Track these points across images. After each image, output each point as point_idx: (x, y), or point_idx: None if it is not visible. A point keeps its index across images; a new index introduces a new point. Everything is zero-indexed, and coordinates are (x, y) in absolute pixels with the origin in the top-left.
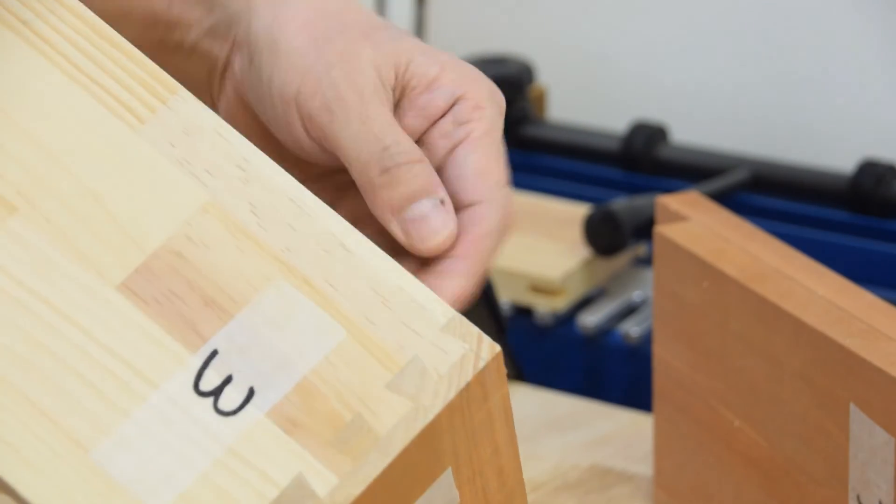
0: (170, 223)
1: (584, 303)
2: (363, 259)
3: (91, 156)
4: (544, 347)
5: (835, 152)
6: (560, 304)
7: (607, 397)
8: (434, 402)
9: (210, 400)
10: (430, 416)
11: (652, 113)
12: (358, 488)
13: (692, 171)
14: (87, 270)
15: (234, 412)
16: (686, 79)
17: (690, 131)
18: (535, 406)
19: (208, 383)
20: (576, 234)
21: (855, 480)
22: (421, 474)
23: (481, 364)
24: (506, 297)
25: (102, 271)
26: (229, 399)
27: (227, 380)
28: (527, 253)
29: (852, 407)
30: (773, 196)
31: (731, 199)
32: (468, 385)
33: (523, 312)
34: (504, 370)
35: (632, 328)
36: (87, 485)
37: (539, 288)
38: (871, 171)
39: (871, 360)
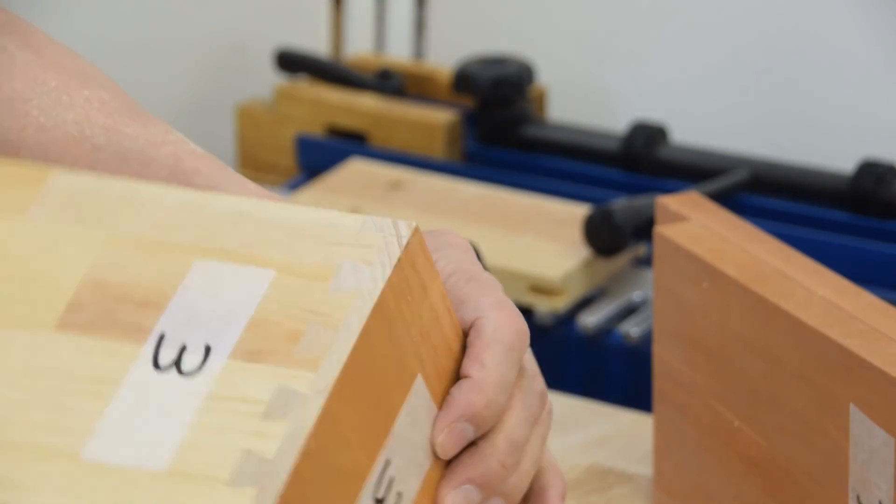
0: (80, 266)
1: (584, 303)
2: (270, 214)
3: None
4: (544, 348)
5: (835, 152)
6: (560, 304)
7: (607, 397)
8: (374, 285)
9: (172, 370)
10: (376, 294)
11: (652, 113)
12: (334, 372)
13: (692, 171)
14: (23, 330)
15: (199, 368)
16: (686, 79)
17: (690, 131)
18: None
19: (166, 358)
20: (576, 234)
21: (855, 480)
22: (392, 374)
23: (403, 241)
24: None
25: (37, 324)
26: (190, 361)
27: (182, 349)
28: (527, 253)
29: (852, 407)
30: (773, 196)
31: (731, 199)
32: (400, 263)
33: (523, 312)
34: (431, 258)
35: (632, 328)
36: (90, 482)
37: (539, 288)
38: (871, 171)
39: (871, 360)
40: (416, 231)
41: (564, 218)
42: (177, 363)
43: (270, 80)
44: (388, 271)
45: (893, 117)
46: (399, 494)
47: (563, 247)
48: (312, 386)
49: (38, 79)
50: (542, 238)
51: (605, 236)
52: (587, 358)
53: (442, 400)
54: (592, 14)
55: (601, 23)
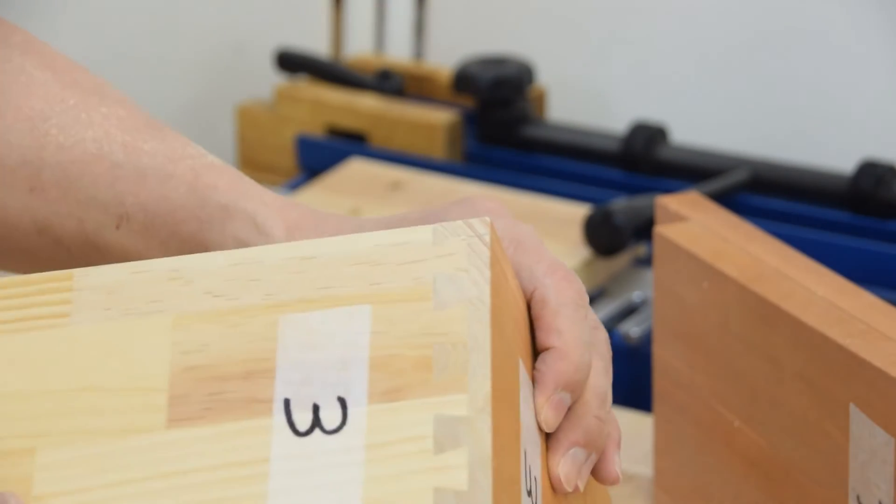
0: (161, 355)
1: None
2: (330, 252)
3: (57, 368)
4: None
5: (835, 152)
6: None
7: None
8: (480, 289)
9: (316, 432)
10: (486, 298)
11: (652, 113)
12: (485, 386)
13: (692, 171)
14: (136, 437)
15: (342, 423)
16: (686, 79)
17: (690, 131)
18: None
19: (303, 423)
20: (576, 234)
21: (855, 481)
22: (510, 368)
23: (487, 238)
24: None
25: (146, 428)
26: (330, 419)
27: (315, 409)
28: None
29: (852, 407)
30: (773, 196)
31: (731, 199)
32: (492, 260)
33: None
34: (501, 244)
35: (632, 328)
36: None
37: None
38: (871, 172)
39: (871, 360)
40: (492, 225)
41: (564, 218)
42: (317, 424)
43: (270, 80)
44: (487, 272)
45: (893, 117)
46: (535, 479)
47: (563, 247)
48: (471, 406)
49: (57, 97)
50: (542, 238)
51: (605, 236)
52: None
53: (531, 375)
54: (592, 14)
55: (601, 23)
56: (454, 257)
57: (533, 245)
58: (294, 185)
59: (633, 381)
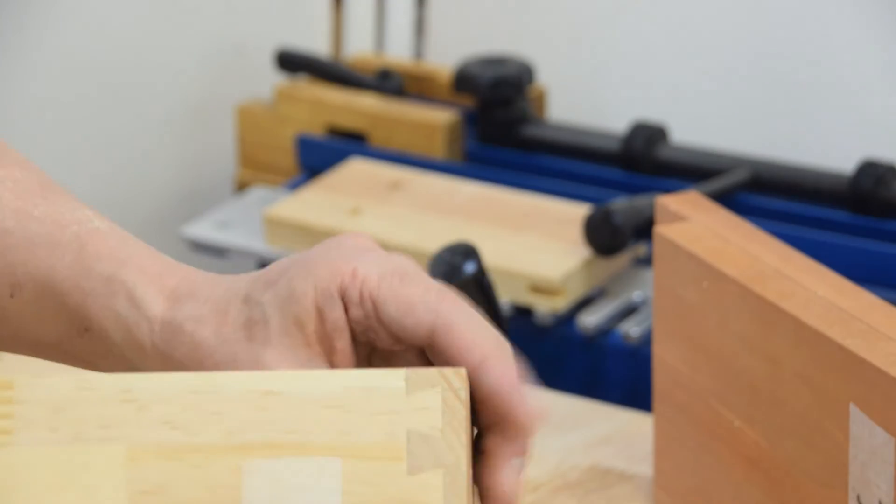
0: (117, 494)
1: (584, 303)
2: (296, 390)
3: (2, 496)
4: (544, 347)
5: (835, 152)
6: (560, 304)
7: (607, 397)
8: (456, 454)
9: None
10: (463, 465)
11: (652, 113)
12: None
13: (692, 171)
14: None
15: None
16: (686, 79)
17: (690, 131)
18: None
19: None
20: (576, 234)
21: (855, 480)
22: None
23: (462, 394)
24: (506, 297)
25: None
26: None
27: None
28: (527, 253)
29: (852, 407)
30: (773, 196)
31: (731, 199)
32: (467, 419)
33: (523, 312)
34: (468, 388)
35: (632, 328)
36: None
37: (539, 288)
38: (871, 171)
39: (871, 360)
40: (465, 375)
41: (564, 218)
42: None
43: (270, 80)
44: (464, 437)
45: (893, 117)
46: None
47: (563, 247)
48: None
49: None
50: (542, 238)
51: (605, 236)
52: (587, 358)
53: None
54: (592, 14)
55: (601, 23)
56: (428, 413)
57: (416, 275)
58: (294, 185)
59: (633, 381)
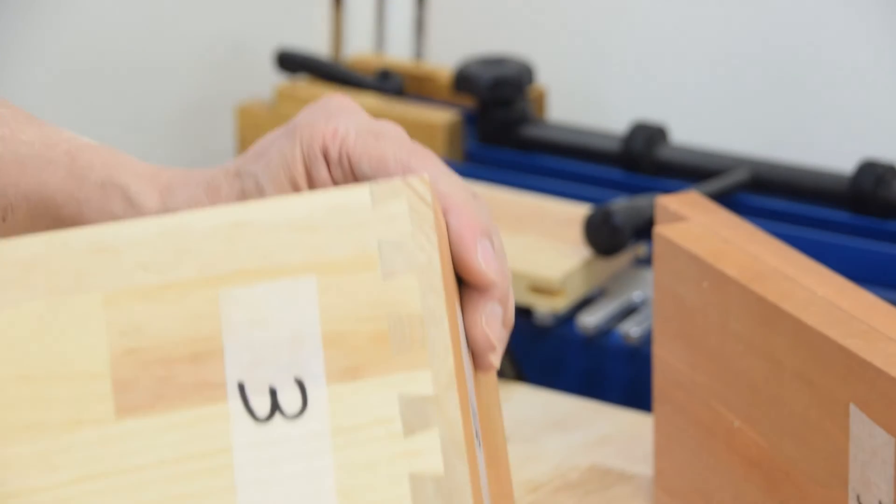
0: (97, 338)
1: (584, 303)
2: (262, 218)
3: None
4: (544, 347)
5: (835, 152)
6: (560, 304)
7: (607, 397)
8: (428, 254)
9: (276, 417)
10: (437, 263)
11: (652, 113)
12: (447, 361)
13: (692, 171)
14: (85, 429)
15: (303, 407)
16: (686, 79)
17: (690, 131)
18: (535, 406)
19: (261, 408)
20: (576, 234)
21: (855, 480)
22: (456, 325)
23: (428, 197)
24: None
25: (94, 419)
26: (290, 402)
27: (273, 392)
28: (527, 253)
29: (852, 407)
30: (773, 196)
31: (731, 199)
32: (435, 220)
33: (523, 312)
34: (434, 194)
35: (632, 328)
36: None
37: (539, 288)
38: (871, 171)
39: (871, 360)
40: (428, 180)
41: (564, 218)
42: (277, 408)
43: (270, 80)
44: (434, 236)
45: (893, 117)
46: (475, 411)
47: (563, 247)
48: (436, 384)
49: None
50: (542, 238)
51: (605, 236)
52: (587, 358)
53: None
54: (592, 14)
55: (601, 23)
56: (396, 221)
57: (393, 133)
58: None
59: (633, 381)
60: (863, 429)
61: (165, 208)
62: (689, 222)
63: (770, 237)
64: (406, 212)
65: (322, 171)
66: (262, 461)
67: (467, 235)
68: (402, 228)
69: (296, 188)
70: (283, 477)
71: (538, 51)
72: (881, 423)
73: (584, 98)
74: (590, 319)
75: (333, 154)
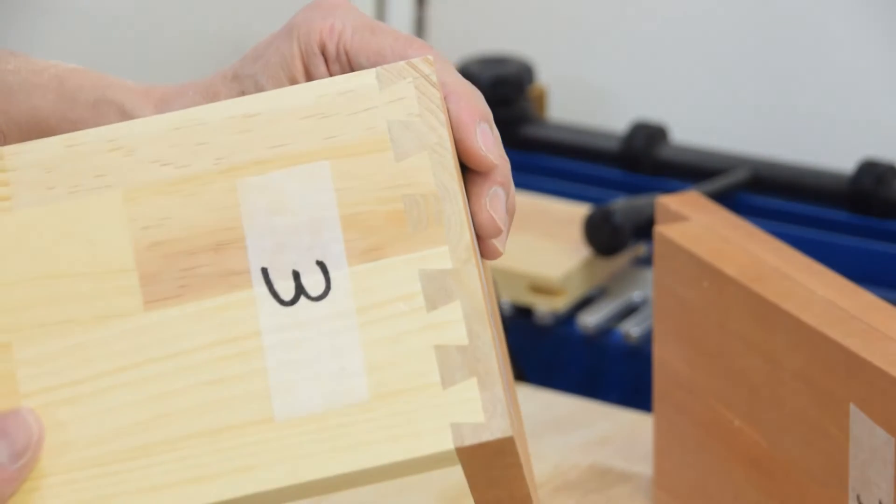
0: (121, 234)
1: (584, 303)
2: (273, 108)
3: (12, 258)
4: (544, 347)
5: (835, 152)
6: (560, 304)
7: (607, 397)
8: (438, 133)
9: (302, 300)
10: (447, 141)
11: (652, 113)
12: (464, 235)
13: (692, 171)
14: (113, 321)
15: (327, 288)
16: (686, 79)
17: (690, 131)
18: (535, 406)
19: (287, 292)
20: (576, 234)
21: (855, 480)
22: (465, 201)
23: (433, 77)
24: (506, 297)
25: (122, 312)
26: (314, 284)
27: (296, 276)
28: (527, 253)
29: (852, 407)
30: (773, 196)
31: (731, 199)
32: (441, 98)
33: (523, 312)
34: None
35: (632, 328)
36: (300, 440)
37: (539, 288)
38: (871, 171)
39: (871, 360)
40: (433, 60)
41: (564, 218)
42: (301, 291)
43: None
44: (443, 116)
45: (893, 117)
46: (486, 286)
47: (563, 247)
48: (455, 258)
49: None
50: (542, 238)
51: (605, 236)
52: (587, 358)
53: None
54: (592, 14)
55: (601, 23)
56: (405, 102)
57: (387, 28)
58: None
59: (633, 381)
60: (863, 428)
61: None
62: (690, 222)
63: (770, 237)
64: (413, 92)
65: (321, 68)
66: (290, 343)
67: (467, 120)
68: (411, 109)
69: None
70: (311, 357)
71: (538, 50)
72: (881, 422)
73: (584, 98)
74: (590, 319)
75: (331, 50)
